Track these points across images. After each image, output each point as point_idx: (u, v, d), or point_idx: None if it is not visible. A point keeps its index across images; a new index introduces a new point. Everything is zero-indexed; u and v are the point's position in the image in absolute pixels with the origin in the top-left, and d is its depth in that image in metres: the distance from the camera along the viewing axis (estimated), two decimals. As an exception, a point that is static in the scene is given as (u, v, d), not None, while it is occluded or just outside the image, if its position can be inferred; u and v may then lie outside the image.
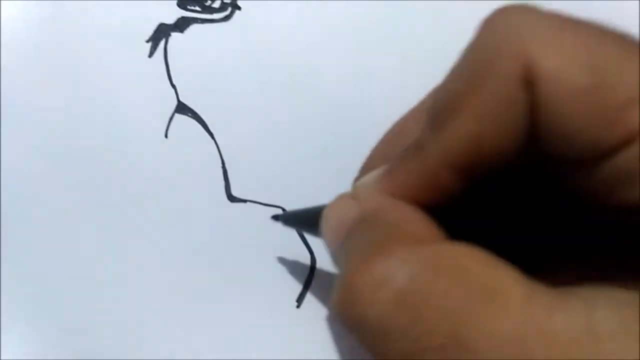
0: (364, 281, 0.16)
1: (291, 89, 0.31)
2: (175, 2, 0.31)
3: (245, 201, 0.30)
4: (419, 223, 0.18)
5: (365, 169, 0.25)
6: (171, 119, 0.30)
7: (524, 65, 0.16)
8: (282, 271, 0.30)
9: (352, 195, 0.21)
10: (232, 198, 0.30)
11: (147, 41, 0.31)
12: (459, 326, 0.15)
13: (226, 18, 0.31)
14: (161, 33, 0.31)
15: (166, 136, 0.30)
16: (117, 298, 0.29)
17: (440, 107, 0.18)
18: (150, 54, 0.31)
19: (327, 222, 0.22)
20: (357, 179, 0.24)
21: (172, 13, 0.31)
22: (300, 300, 0.29)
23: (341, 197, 0.21)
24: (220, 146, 0.30)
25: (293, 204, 0.30)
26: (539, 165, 0.18)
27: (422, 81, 0.22)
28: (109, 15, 0.31)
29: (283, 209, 0.30)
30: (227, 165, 0.30)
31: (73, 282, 0.29)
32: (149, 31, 0.31)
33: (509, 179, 0.19)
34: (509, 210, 0.20)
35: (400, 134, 0.24)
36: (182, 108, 0.31)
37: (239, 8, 0.31)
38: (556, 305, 0.15)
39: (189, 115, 0.31)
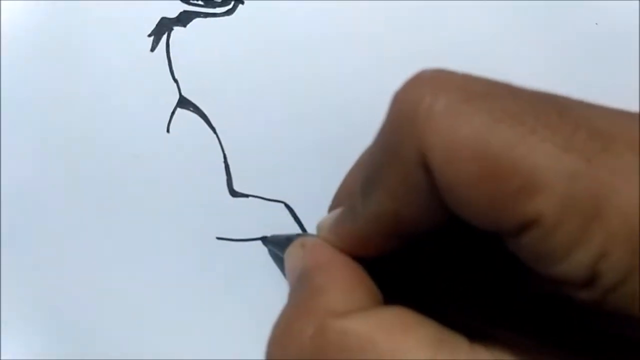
0: (283, 339, 0.18)
1: (294, 83, 0.30)
2: (177, -5, 0.31)
3: (247, 196, 0.30)
4: (347, 286, 0.19)
5: (334, 201, 0.26)
6: (173, 113, 0.30)
7: (420, 153, 0.16)
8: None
9: (301, 244, 0.22)
10: (234, 193, 0.30)
11: (149, 35, 0.31)
12: None
13: (229, 12, 0.31)
14: (163, 27, 0.31)
15: (168, 131, 0.30)
16: (117, 297, 0.29)
17: (366, 177, 0.19)
18: (152, 49, 0.31)
19: (285, 265, 0.23)
20: (329, 209, 0.26)
21: (175, 7, 0.31)
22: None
23: (295, 245, 0.23)
24: (222, 141, 0.30)
25: (295, 199, 0.30)
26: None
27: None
28: (111, 9, 0.31)
29: (286, 204, 0.30)
30: (229, 160, 0.30)
31: (73, 282, 0.29)
32: (151, 25, 0.31)
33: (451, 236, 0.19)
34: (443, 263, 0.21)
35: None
36: (184, 102, 0.30)
37: (242, 2, 0.31)
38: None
39: (190, 110, 0.30)
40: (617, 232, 0.14)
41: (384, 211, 0.18)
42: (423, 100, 0.16)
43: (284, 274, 0.27)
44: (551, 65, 0.31)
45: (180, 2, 0.31)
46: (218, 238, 0.29)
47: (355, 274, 0.20)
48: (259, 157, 0.30)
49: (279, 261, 0.28)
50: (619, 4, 0.31)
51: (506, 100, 0.16)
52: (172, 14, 0.31)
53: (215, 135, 0.30)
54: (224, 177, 0.30)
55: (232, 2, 0.31)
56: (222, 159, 0.30)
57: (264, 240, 0.29)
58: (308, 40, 0.31)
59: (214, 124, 0.30)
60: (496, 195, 0.15)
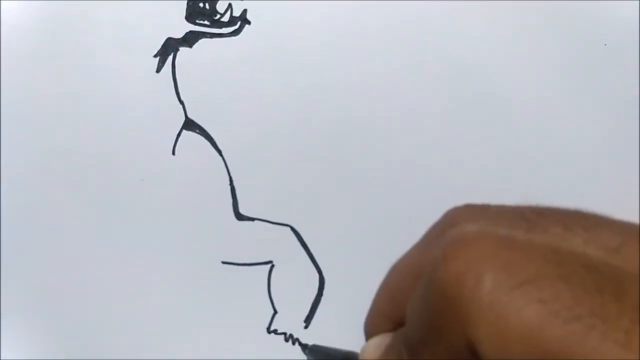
0: None
1: (301, 105, 0.30)
2: (183, 15, 0.31)
3: (253, 219, 0.30)
4: None
5: (370, 317, 0.25)
6: (179, 135, 0.30)
7: (467, 338, 0.15)
8: (290, 291, 0.29)
9: None
10: (239, 216, 0.30)
11: (155, 56, 0.31)
12: None
13: (235, 32, 0.31)
14: (169, 47, 0.31)
15: (173, 153, 0.30)
16: (118, 302, 0.29)
17: (412, 341, 0.18)
18: (158, 69, 0.31)
19: None
20: (365, 324, 0.23)
21: (181, 27, 0.31)
22: (308, 320, 0.29)
23: None
24: (228, 163, 0.30)
25: (302, 223, 0.29)
26: None
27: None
28: (116, 29, 0.31)
29: (292, 228, 0.30)
30: (235, 183, 0.30)
31: (73, 285, 0.29)
32: (157, 45, 0.31)
33: None
34: None
35: (398, 282, 0.24)
36: (190, 124, 0.30)
37: (248, 22, 0.31)
38: None
39: (196, 132, 0.30)
40: None
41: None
42: (466, 279, 0.15)
43: None
44: (551, 65, 0.31)
45: (186, 22, 0.31)
46: (224, 262, 0.29)
47: None
48: (265, 180, 0.30)
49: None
50: (619, 4, 0.32)
51: (557, 284, 0.15)
52: (178, 34, 0.31)
53: (221, 158, 0.30)
54: (230, 200, 0.30)
55: (239, 23, 0.31)
56: (228, 182, 0.30)
57: (304, 347, 0.28)
58: (315, 61, 0.31)
59: (219, 146, 0.30)
60: None
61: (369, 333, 0.22)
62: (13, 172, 0.30)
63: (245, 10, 0.31)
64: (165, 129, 0.30)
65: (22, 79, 0.30)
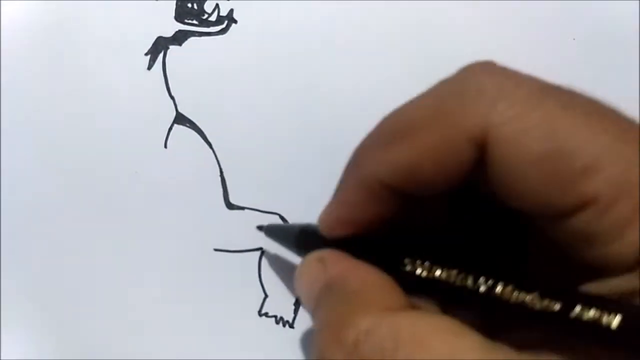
0: (334, 350, 0.18)
1: (287, 99, 0.32)
2: (173, 15, 0.32)
3: (243, 208, 0.31)
4: (380, 288, 0.19)
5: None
6: (170, 129, 0.31)
7: (481, 129, 0.17)
8: (280, 276, 0.30)
9: (319, 259, 0.22)
10: (230, 205, 0.31)
11: (146, 54, 0.32)
12: None
13: (223, 31, 0.32)
14: (159, 46, 0.32)
15: (165, 146, 0.31)
16: (116, 301, 0.30)
17: (388, 126, 0.20)
18: (149, 67, 0.32)
19: (299, 285, 0.23)
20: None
21: (170, 26, 0.32)
22: (297, 303, 0.30)
23: (310, 261, 0.23)
24: (218, 155, 0.31)
25: (291, 211, 0.31)
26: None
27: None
28: (109, 29, 0.32)
29: (281, 216, 0.31)
30: (225, 174, 0.31)
31: (73, 284, 0.30)
32: (148, 44, 0.32)
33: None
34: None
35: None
36: (180, 119, 0.31)
37: (235, 21, 0.32)
38: None
39: (187, 126, 0.31)
40: None
41: (406, 162, 0.18)
42: (496, 79, 0.17)
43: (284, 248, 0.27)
44: (551, 65, 0.31)
45: (175, 21, 0.32)
46: (215, 250, 0.30)
47: (385, 278, 0.20)
48: (255, 171, 0.31)
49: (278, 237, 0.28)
50: (619, 4, 0.32)
51: (572, 94, 0.17)
52: (168, 33, 0.32)
53: (211, 150, 0.31)
54: (221, 191, 0.31)
55: (226, 22, 0.32)
56: (219, 173, 0.31)
57: (260, 228, 0.29)
58: (301, 57, 0.32)
59: (210, 139, 0.31)
60: (559, 173, 0.16)
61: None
62: (10, 168, 0.31)
63: (232, 10, 0.32)
64: (157, 123, 0.31)
65: (20, 77, 0.31)
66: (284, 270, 0.30)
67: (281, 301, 0.30)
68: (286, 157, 0.31)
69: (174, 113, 0.31)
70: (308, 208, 0.30)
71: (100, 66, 0.31)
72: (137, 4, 0.32)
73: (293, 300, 0.30)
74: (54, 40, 0.32)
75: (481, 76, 0.18)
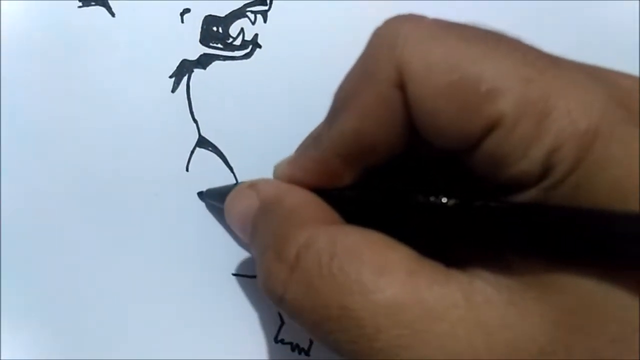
0: (278, 269, 0.19)
1: (310, 125, 0.31)
2: (198, 39, 0.32)
3: (262, 233, 0.31)
4: (314, 206, 0.20)
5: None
6: (192, 152, 0.31)
7: (397, 69, 0.18)
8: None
9: (250, 186, 0.23)
10: (249, 230, 0.31)
11: (171, 76, 0.32)
12: (348, 297, 0.17)
13: (247, 55, 0.32)
14: (184, 69, 0.32)
15: (187, 169, 0.31)
16: (117, 301, 0.30)
17: (333, 104, 0.21)
18: (173, 90, 0.32)
19: (231, 215, 0.24)
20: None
21: (195, 50, 0.32)
22: (312, 340, 0.30)
23: (240, 189, 0.24)
24: (239, 180, 0.31)
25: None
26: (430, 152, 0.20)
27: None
28: (134, 52, 0.32)
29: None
30: (245, 199, 0.31)
31: (73, 284, 0.30)
32: (172, 67, 0.32)
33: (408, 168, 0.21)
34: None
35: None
36: (203, 142, 0.32)
37: (259, 46, 0.32)
38: (438, 279, 0.17)
39: (209, 150, 0.31)
40: (565, 128, 0.16)
41: (350, 129, 0.20)
42: (402, 28, 0.18)
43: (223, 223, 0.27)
44: None
45: (200, 45, 0.32)
46: (234, 274, 0.30)
47: (317, 199, 0.21)
48: (275, 196, 0.31)
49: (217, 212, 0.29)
50: (619, 4, 0.32)
51: (473, 28, 0.18)
52: (193, 56, 0.32)
53: (232, 174, 0.31)
54: (241, 215, 0.31)
55: (251, 46, 0.32)
56: (239, 197, 0.31)
57: (201, 194, 0.30)
58: (326, 84, 0.32)
59: (231, 164, 0.31)
60: (465, 100, 0.17)
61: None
62: (9, 171, 0.31)
63: (256, 35, 0.32)
64: (180, 146, 0.31)
65: (20, 85, 0.32)
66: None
67: (297, 328, 0.30)
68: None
69: (197, 136, 0.32)
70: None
71: (125, 87, 0.32)
72: (164, 26, 0.32)
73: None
74: (76, 59, 0.32)
75: (393, 25, 0.19)
